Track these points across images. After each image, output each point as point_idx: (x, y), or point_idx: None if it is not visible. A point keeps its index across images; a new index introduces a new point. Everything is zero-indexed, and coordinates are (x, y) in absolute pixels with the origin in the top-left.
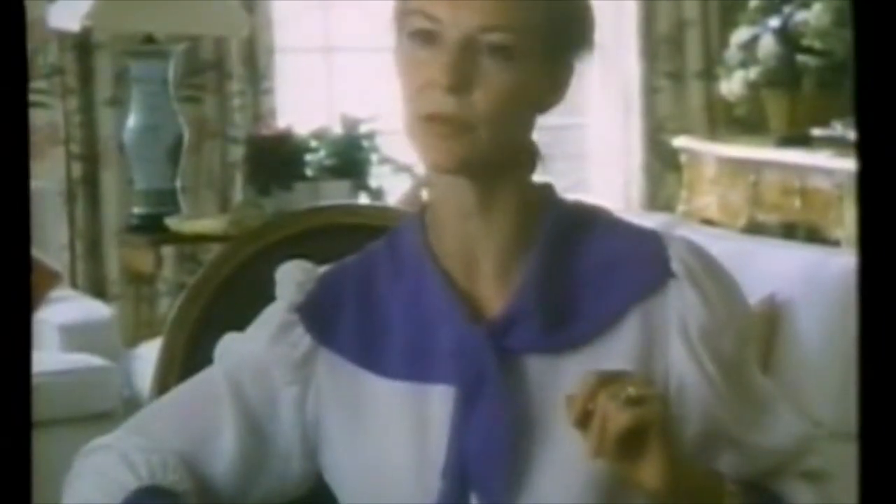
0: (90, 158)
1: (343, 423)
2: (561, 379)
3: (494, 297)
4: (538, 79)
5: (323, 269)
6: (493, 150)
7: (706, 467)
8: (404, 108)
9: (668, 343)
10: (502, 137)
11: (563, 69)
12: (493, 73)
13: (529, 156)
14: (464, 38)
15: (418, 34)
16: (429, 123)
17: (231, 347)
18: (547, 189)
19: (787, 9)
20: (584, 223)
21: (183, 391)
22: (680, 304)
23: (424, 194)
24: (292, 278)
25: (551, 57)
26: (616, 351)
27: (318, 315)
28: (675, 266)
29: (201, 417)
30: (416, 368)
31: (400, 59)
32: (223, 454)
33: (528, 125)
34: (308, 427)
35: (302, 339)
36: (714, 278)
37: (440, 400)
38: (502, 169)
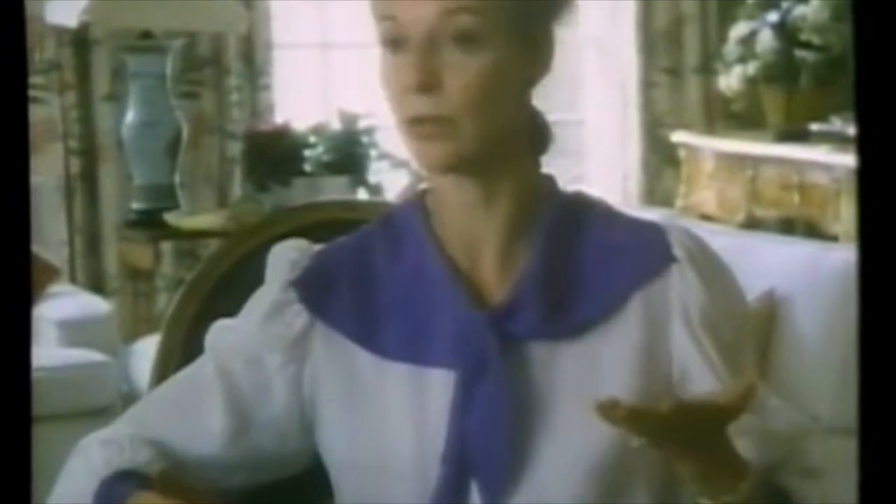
0: (88, 154)
1: (340, 400)
2: (562, 365)
3: (496, 284)
4: (515, 56)
5: (318, 247)
6: (483, 138)
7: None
8: (393, 114)
9: (670, 327)
10: (489, 123)
11: (542, 38)
12: (462, 63)
13: (531, 135)
14: (426, 35)
15: (388, 41)
16: (413, 127)
17: (222, 334)
18: (548, 180)
19: (785, 4)
20: (584, 213)
21: (175, 382)
22: (682, 288)
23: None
24: (286, 257)
25: (526, 29)
26: (618, 337)
27: (315, 289)
28: (677, 251)
29: (192, 406)
30: (415, 351)
31: (380, 68)
32: (214, 439)
33: (518, 104)
34: (304, 404)
35: (298, 316)
36: (712, 264)
37: (440, 384)
38: (501, 159)
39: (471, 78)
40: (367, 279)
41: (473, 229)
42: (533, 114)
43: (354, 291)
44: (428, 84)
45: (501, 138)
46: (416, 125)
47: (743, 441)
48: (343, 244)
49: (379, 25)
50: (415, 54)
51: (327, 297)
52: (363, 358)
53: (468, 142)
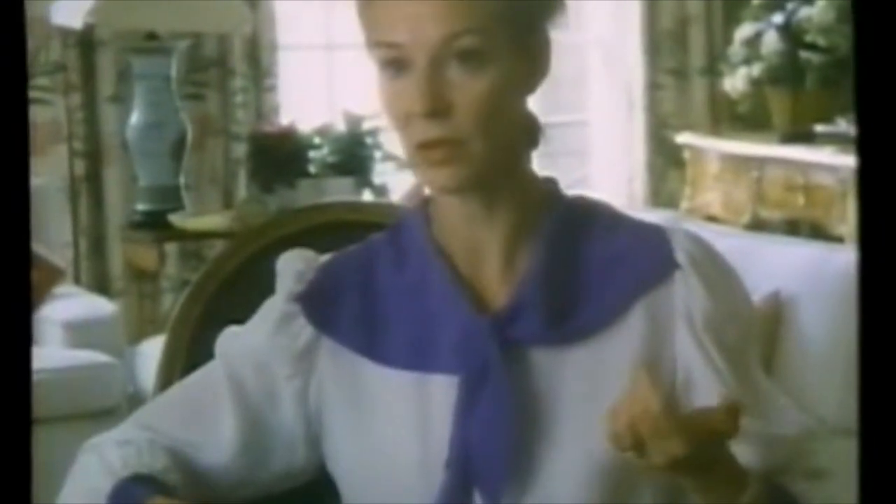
0: (93, 155)
1: (345, 412)
2: (565, 371)
3: (499, 290)
4: (517, 67)
5: (324, 257)
6: (493, 156)
7: (735, 459)
8: (399, 138)
9: (673, 333)
10: (499, 139)
11: (538, 44)
12: (467, 83)
13: (526, 134)
14: (431, 59)
15: (388, 65)
16: (423, 151)
17: (231, 342)
18: (551, 184)
19: (790, 5)
20: (587, 218)
21: (185, 386)
22: (685, 294)
23: (427, 190)
24: (293, 268)
25: (526, 40)
26: (622, 342)
27: (319, 304)
28: (680, 257)
29: (202, 413)
30: (418, 358)
31: (380, 92)
32: (225, 448)
33: (518, 110)
34: (311, 417)
35: (303, 329)
36: (717, 268)
37: (443, 390)
38: (505, 169)
39: (478, 96)
40: (372, 291)
41: (476, 237)
42: (527, 114)
43: (359, 304)
44: (437, 109)
45: (507, 146)
46: (427, 150)
47: (747, 447)
48: (348, 255)
49: (376, 51)
50: (420, 79)
51: (331, 311)
52: (368, 368)
53: (479, 162)
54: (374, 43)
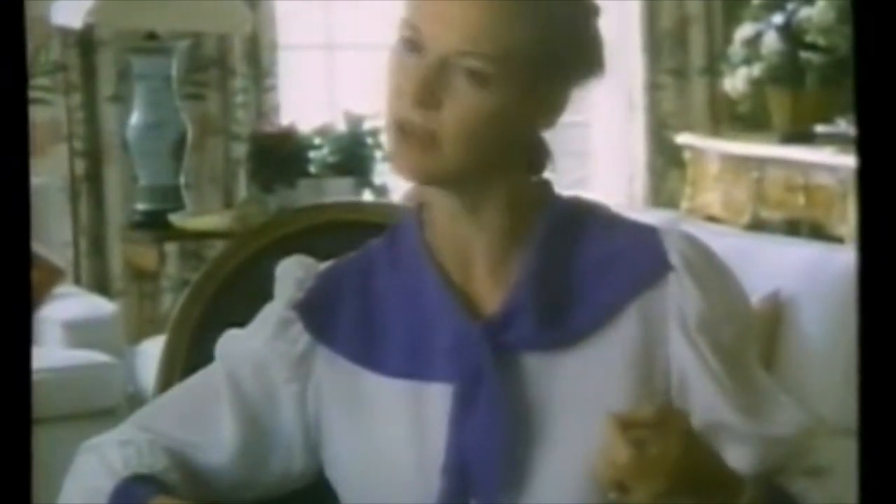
0: (93, 155)
1: (342, 420)
2: (559, 375)
3: (491, 295)
4: (521, 104)
5: (323, 265)
6: (459, 167)
7: (726, 465)
8: (386, 109)
9: (667, 335)
10: (471, 156)
11: (554, 94)
12: (465, 95)
13: (530, 158)
14: (442, 57)
15: (406, 41)
16: (398, 131)
17: (231, 344)
18: (544, 186)
19: (790, 5)
20: (580, 219)
21: (184, 388)
22: (679, 296)
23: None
24: (292, 275)
25: (539, 83)
26: (615, 346)
27: (317, 313)
28: (673, 258)
29: (202, 414)
30: (413, 366)
31: (389, 59)
32: (224, 449)
33: (511, 144)
34: (309, 423)
35: (300, 336)
36: (711, 269)
37: (438, 398)
38: (486, 176)
39: (469, 110)
40: (369, 299)
41: (463, 238)
42: (537, 143)
43: (356, 314)
44: (425, 100)
45: (485, 164)
46: (401, 130)
47: (746, 447)
48: (347, 262)
49: (402, 25)
50: (424, 67)
51: (329, 320)
52: (364, 377)
53: (443, 165)
54: (404, 19)
